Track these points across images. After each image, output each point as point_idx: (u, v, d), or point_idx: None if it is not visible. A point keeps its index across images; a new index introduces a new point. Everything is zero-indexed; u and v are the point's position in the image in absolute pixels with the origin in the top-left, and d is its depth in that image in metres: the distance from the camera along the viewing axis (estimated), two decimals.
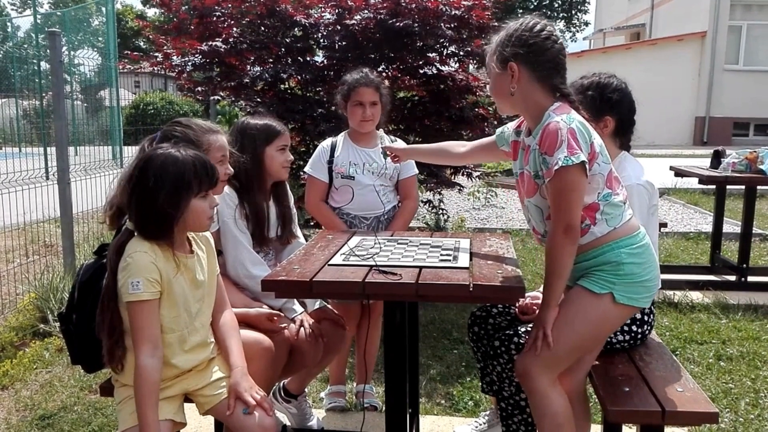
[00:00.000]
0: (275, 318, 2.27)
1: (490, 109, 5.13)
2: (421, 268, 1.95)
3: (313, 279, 1.87)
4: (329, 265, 2.01)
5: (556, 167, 1.79)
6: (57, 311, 3.91)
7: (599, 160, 1.88)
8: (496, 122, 4.96)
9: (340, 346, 2.63)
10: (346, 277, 1.87)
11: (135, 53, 6.12)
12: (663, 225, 5.81)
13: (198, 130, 2.13)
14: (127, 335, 1.87)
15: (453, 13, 4.28)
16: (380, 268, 1.93)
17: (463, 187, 5.23)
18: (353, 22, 4.37)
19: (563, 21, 35.75)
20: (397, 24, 4.17)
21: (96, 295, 2.15)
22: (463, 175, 5.12)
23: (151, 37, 5.59)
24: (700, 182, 4.87)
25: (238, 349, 2.01)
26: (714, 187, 5.64)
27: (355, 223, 2.90)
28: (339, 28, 4.47)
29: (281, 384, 2.74)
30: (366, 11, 4.29)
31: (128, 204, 1.82)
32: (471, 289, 1.78)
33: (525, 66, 1.90)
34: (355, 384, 3.17)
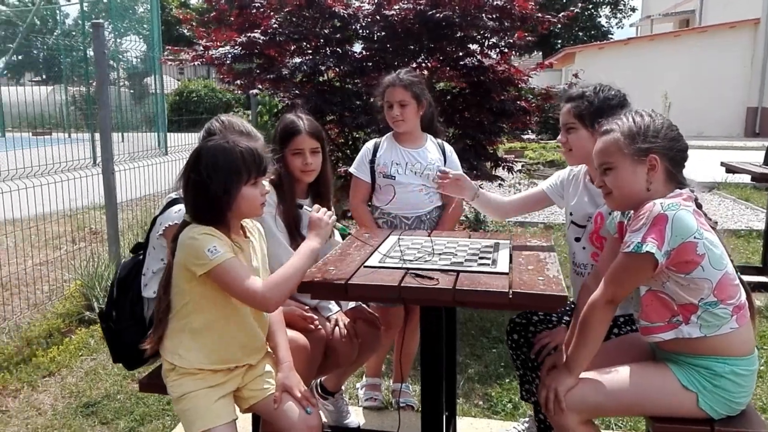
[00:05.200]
0: (310, 317, 2.26)
1: (533, 100, 5.01)
2: (458, 272, 1.90)
3: (349, 281, 1.84)
4: (365, 266, 1.99)
5: (625, 249, 1.70)
6: (102, 300, 4.00)
7: (704, 265, 1.70)
8: (538, 116, 4.85)
9: (375, 346, 2.61)
10: (382, 281, 1.84)
11: (175, 46, 6.18)
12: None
13: (233, 132, 2.16)
14: (182, 319, 1.87)
15: (495, 3, 4.18)
16: (416, 272, 1.89)
17: (504, 180, 5.13)
18: (392, 12, 4.31)
19: (609, 7, 34.75)
20: (437, 15, 4.09)
21: (134, 291, 2.19)
22: (504, 168, 5.02)
23: (192, 27, 5.62)
24: (753, 179, 4.67)
25: (285, 344, 2.03)
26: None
27: (396, 223, 2.86)
28: (378, 18, 4.41)
29: (318, 381, 2.74)
30: (405, 2, 4.22)
31: (185, 193, 1.87)
32: (510, 296, 1.73)
33: (663, 158, 1.78)
34: (391, 381, 3.15)
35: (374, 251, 2.15)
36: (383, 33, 4.54)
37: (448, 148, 2.94)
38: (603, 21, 35.10)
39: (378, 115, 2.98)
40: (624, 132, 1.81)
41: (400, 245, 2.19)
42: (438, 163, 2.85)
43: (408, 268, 1.94)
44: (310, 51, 4.77)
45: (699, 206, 1.79)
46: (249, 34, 4.51)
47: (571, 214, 2.39)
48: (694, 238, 1.67)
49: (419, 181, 2.82)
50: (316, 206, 2.04)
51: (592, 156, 1.91)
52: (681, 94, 17.27)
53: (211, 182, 1.78)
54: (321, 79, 4.71)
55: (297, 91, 4.38)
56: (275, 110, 5.21)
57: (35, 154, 4.81)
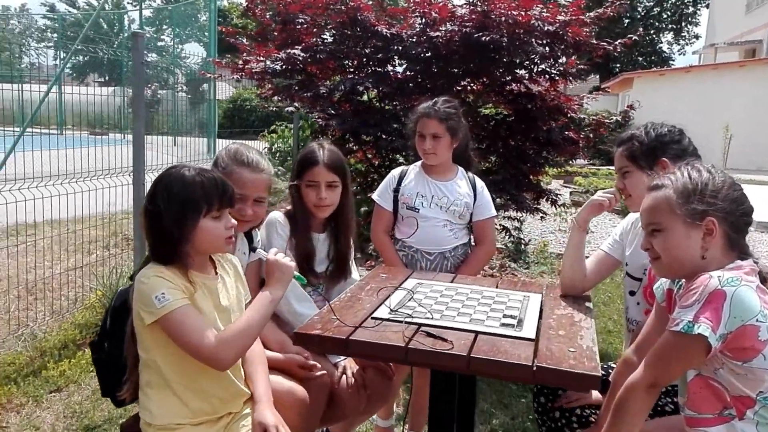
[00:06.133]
0: (311, 365, 2.05)
1: (584, 131, 4.74)
2: (477, 333, 1.68)
3: (350, 338, 1.64)
4: (372, 317, 1.78)
5: (673, 327, 1.44)
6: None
7: (766, 352, 1.44)
8: (587, 147, 4.57)
9: (387, 396, 2.39)
10: (388, 339, 1.63)
11: (218, 60, 6.15)
12: None
13: (235, 161, 2.00)
14: (148, 370, 1.70)
15: (546, 28, 3.95)
16: (428, 331, 1.67)
17: (546, 214, 4.85)
18: (437, 34, 4.13)
19: (672, 33, 33.83)
20: (483, 38, 3.88)
21: (128, 322, 2.03)
22: (547, 200, 4.75)
23: (245, 38, 5.56)
24: None
25: (265, 381, 1.83)
26: None
27: (417, 258, 2.65)
28: (422, 39, 4.24)
29: (324, 429, 2.53)
30: (450, 24, 4.03)
31: (143, 227, 1.70)
32: (534, 370, 1.49)
33: (723, 223, 1.53)
34: (407, 428, 2.92)
35: (387, 298, 1.94)
36: (428, 54, 4.36)
37: (480, 183, 2.72)
38: (664, 47, 34.26)
39: (408, 141, 2.79)
40: (677, 189, 1.55)
41: (414, 296, 1.97)
42: (467, 199, 2.63)
43: (420, 324, 1.72)
44: (351, 70, 4.63)
45: (764, 281, 1.52)
46: (289, 51, 4.40)
47: (626, 264, 2.15)
48: (757, 320, 1.40)
49: (444, 216, 2.61)
50: (273, 249, 1.85)
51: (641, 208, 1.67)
52: (744, 126, 16.52)
53: (164, 214, 1.62)
54: (359, 99, 4.56)
55: (333, 111, 4.24)
56: (314, 128, 5.09)
57: (86, 154, 4.82)
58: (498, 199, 4.26)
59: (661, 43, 34.09)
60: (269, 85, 5.05)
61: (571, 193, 11.16)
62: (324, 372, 2.06)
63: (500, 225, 5.07)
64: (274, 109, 5.26)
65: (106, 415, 3.06)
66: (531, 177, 4.65)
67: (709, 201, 1.52)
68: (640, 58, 32.69)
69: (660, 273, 1.66)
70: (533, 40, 3.95)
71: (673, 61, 33.72)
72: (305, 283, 1.91)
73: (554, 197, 4.75)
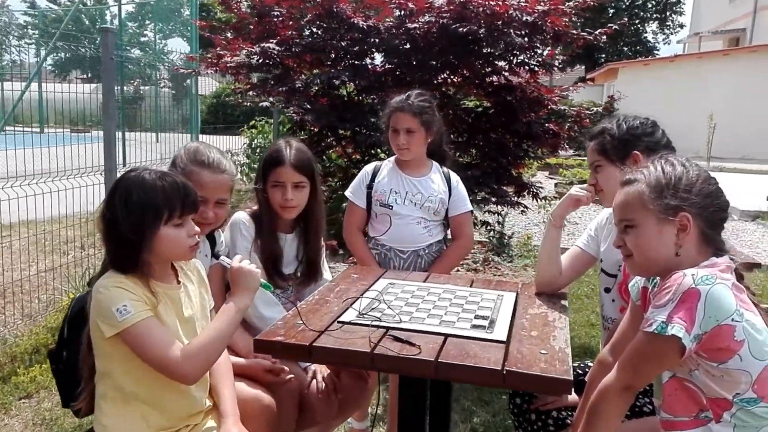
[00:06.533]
0: (278, 368, 1.97)
1: (567, 123, 4.68)
2: (446, 336, 1.61)
3: (313, 344, 1.57)
4: (339, 321, 1.71)
5: (646, 328, 1.38)
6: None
7: (743, 354, 1.38)
8: (569, 140, 4.51)
9: (361, 401, 2.33)
10: (353, 345, 1.56)
11: (191, 55, 6.03)
12: (756, 265, 5.20)
13: (195, 162, 1.92)
14: (104, 382, 1.62)
15: (525, 18, 3.88)
16: (395, 335, 1.60)
17: (527, 208, 4.79)
18: (415, 25, 4.05)
19: (657, 22, 33.86)
20: (461, 29, 3.81)
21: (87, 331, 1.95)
22: (529, 194, 4.70)
23: (228, 32, 5.45)
24: None
25: (231, 395, 1.75)
26: None
27: (391, 256, 2.59)
28: (400, 32, 4.16)
29: None
30: (428, 15, 3.95)
31: (100, 233, 1.61)
32: (504, 374, 1.43)
33: (697, 218, 1.46)
34: (385, 429, 2.86)
35: (355, 300, 1.87)
36: (406, 46, 4.28)
37: (455, 177, 2.65)
38: (649, 36, 34.26)
39: (382, 136, 2.71)
40: (650, 183, 1.49)
41: (384, 298, 1.90)
42: (442, 195, 2.57)
43: (388, 327, 1.65)
44: (329, 63, 4.54)
45: (740, 278, 1.46)
46: (264, 44, 4.30)
47: (601, 260, 2.09)
48: (732, 320, 1.35)
49: (418, 213, 2.55)
50: (237, 256, 1.76)
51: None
52: (727, 115, 16.57)
53: (122, 221, 1.53)
54: (336, 93, 4.47)
55: (309, 106, 4.15)
56: (291, 123, 5.01)
57: (67, 152, 4.70)
58: (478, 193, 4.20)
59: (646, 32, 34.13)
60: (246, 80, 4.96)
61: (556, 184, 11.14)
62: (292, 376, 1.99)
63: (480, 220, 5.00)
64: (249, 104, 5.16)
65: (76, 423, 2.97)
66: (512, 170, 4.59)
67: (683, 196, 1.46)
68: (626, 48, 32.71)
69: (633, 271, 1.60)
70: (511, 31, 3.88)
71: (658, 50, 33.77)
72: (271, 290, 1.83)
73: (536, 190, 4.69)
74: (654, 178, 1.50)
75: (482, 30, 3.90)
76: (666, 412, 1.50)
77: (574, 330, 4.36)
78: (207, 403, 1.73)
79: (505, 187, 4.49)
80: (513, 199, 4.57)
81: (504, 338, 1.61)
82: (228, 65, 4.57)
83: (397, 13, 4.17)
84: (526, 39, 4.01)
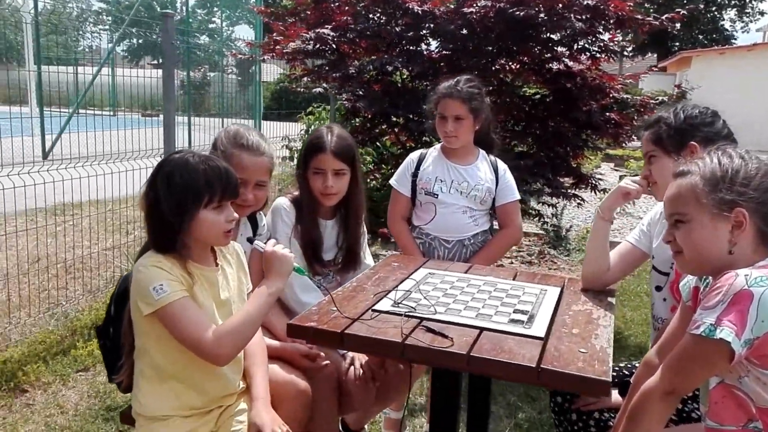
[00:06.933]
0: (314, 353, 1.97)
1: (630, 112, 4.48)
2: (482, 330, 1.56)
3: (345, 331, 1.55)
4: (373, 310, 1.68)
5: (693, 330, 1.29)
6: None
7: None
8: (630, 130, 4.32)
9: (401, 388, 2.30)
10: (384, 334, 1.53)
11: (249, 41, 6.11)
12: None
13: (235, 144, 1.92)
14: (142, 359, 1.66)
15: (586, 2, 3.72)
16: (429, 326, 1.56)
17: (583, 200, 4.63)
18: (471, 10, 3.95)
19: (735, 9, 32.08)
20: (518, 13, 3.69)
21: None
22: (587, 186, 4.53)
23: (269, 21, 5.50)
24: None
25: (263, 379, 1.76)
26: None
27: (435, 246, 2.54)
28: (456, 16, 4.07)
29: (339, 418, 2.47)
30: (486, 0, 3.85)
31: (143, 212, 1.64)
32: (538, 372, 1.37)
33: (755, 215, 1.36)
34: (426, 420, 2.84)
35: (393, 289, 1.84)
36: (463, 31, 4.19)
37: (502, 166, 2.58)
38: (727, 24, 32.50)
39: (427, 123, 2.66)
40: (705, 176, 1.39)
41: (421, 288, 1.86)
42: (489, 184, 2.50)
43: (421, 318, 1.62)
44: (384, 49, 4.50)
45: None
46: (319, 30, 4.30)
47: (653, 257, 1.99)
48: None
49: (464, 202, 2.49)
50: (272, 241, 1.76)
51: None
52: None
53: (163, 201, 1.55)
54: (390, 79, 4.43)
55: (361, 92, 4.12)
56: (343, 110, 5.01)
57: (138, 135, 4.88)
58: (532, 184, 4.09)
59: (723, 20, 32.39)
60: (302, 66, 4.98)
61: (620, 177, 10.76)
62: (328, 363, 1.98)
63: (533, 211, 4.86)
64: (303, 91, 5.18)
65: (128, 398, 3.07)
66: (570, 160, 4.44)
67: (740, 190, 1.36)
68: (701, 36, 31.16)
69: (683, 269, 1.50)
70: (572, 15, 3.73)
71: (735, 39, 31.97)
72: (305, 274, 1.83)
73: (595, 182, 4.52)
74: (709, 170, 1.40)
75: (541, 14, 3.77)
76: (712, 420, 1.41)
77: (631, 328, 4.20)
78: (240, 385, 1.75)
79: (561, 178, 4.35)
80: (569, 191, 4.41)
81: (542, 334, 1.54)
82: (284, 51, 4.59)
83: None
84: (587, 24, 3.85)
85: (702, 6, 29.49)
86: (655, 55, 29.68)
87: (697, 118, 1.82)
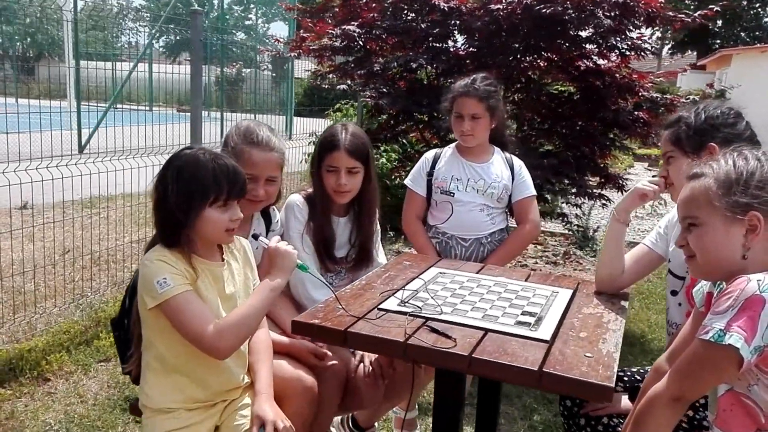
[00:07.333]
0: (322, 352, 1.97)
1: (660, 111, 4.38)
2: (487, 331, 1.54)
3: (348, 329, 1.54)
4: (379, 308, 1.67)
5: (702, 335, 1.25)
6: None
7: None
8: (659, 130, 4.21)
9: (410, 387, 2.28)
10: (386, 333, 1.52)
11: (278, 38, 6.15)
12: None
13: (245, 140, 1.93)
14: (148, 351, 1.68)
15: None
16: (433, 326, 1.55)
17: (609, 200, 4.53)
18: (498, 6, 3.90)
19: None
20: (544, 10, 3.63)
21: None
22: (614, 186, 4.44)
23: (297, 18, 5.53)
24: None
25: (267, 374, 1.77)
26: None
27: (452, 245, 2.52)
28: (482, 12, 4.03)
29: (351, 415, 2.47)
30: None
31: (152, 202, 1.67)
32: (540, 376, 1.35)
33: None
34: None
35: (401, 288, 1.83)
36: (490, 28, 4.14)
37: (518, 163, 2.54)
38: None
39: (443, 121, 2.64)
40: (719, 178, 1.34)
41: (429, 287, 1.85)
42: (505, 181, 2.47)
43: (427, 318, 1.60)
44: (410, 46, 4.48)
45: None
46: (344, 27, 4.30)
47: (669, 261, 1.94)
48: None
49: (481, 200, 2.46)
50: (275, 237, 1.77)
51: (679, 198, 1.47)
52: None
53: (171, 196, 1.56)
54: (416, 76, 4.41)
55: (384, 89, 4.11)
56: (368, 107, 5.00)
57: (173, 130, 4.98)
58: (556, 184, 4.02)
59: (767, 16, 31.43)
60: (329, 63, 4.99)
61: (653, 176, 10.54)
62: (335, 362, 1.98)
63: (558, 211, 4.78)
64: (327, 86, 5.20)
65: None
66: (597, 160, 4.35)
67: (755, 193, 1.31)
68: (743, 34, 30.28)
69: (695, 273, 1.46)
70: (600, 11, 3.66)
71: None
72: (308, 271, 1.83)
73: (622, 182, 4.42)
74: (723, 172, 1.35)
75: (569, 11, 3.70)
76: (720, 428, 1.37)
77: (655, 332, 4.11)
78: (245, 380, 1.76)
79: (588, 178, 4.27)
80: (595, 191, 4.33)
81: (548, 337, 1.51)
82: (311, 48, 4.61)
83: None
84: (615, 21, 3.77)
85: (745, 2, 28.64)
86: (695, 53, 28.96)
87: (719, 118, 1.76)
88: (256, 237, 1.83)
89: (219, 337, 1.53)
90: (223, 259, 1.72)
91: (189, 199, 1.57)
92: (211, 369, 1.65)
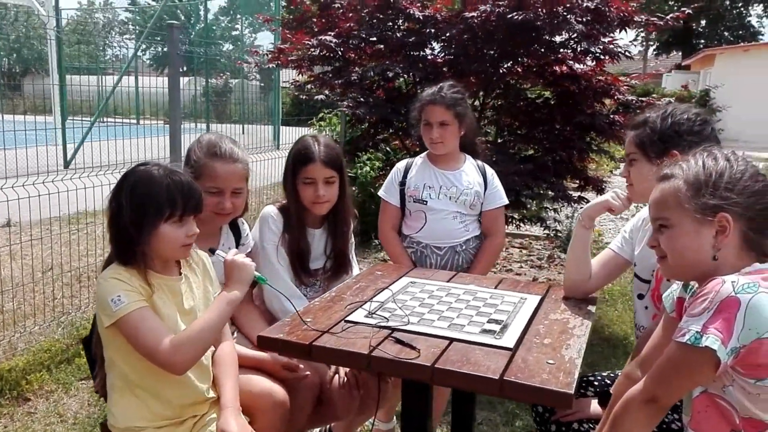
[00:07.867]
0: (294, 364, 1.97)
1: (637, 114, 4.41)
2: (451, 341, 1.55)
3: (313, 343, 1.55)
4: (345, 321, 1.68)
5: (679, 338, 1.26)
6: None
7: None
8: None
9: (387, 396, 2.29)
10: (352, 345, 1.53)
11: (254, 49, 6.16)
12: None
13: (208, 154, 1.94)
14: (112, 371, 1.68)
15: (586, 5, 3.67)
16: (398, 337, 1.56)
17: (588, 202, 4.55)
18: (472, 14, 3.92)
19: (762, 5, 31.42)
20: (516, 17, 3.66)
21: None
22: (593, 189, 4.47)
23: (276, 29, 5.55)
24: None
25: (233, 387, 1.75)
26: None
27: (427, 253, 2.53)
28: (457, 20, 4.05)
29: (327, 427, 2.47)
30: (487, 5, 3.82)
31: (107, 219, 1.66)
32: (501, 384, 1.36)
33: (740, 219, 1.32)
34: None
35: (368, 300, 1.84)
36: (465, 36, 4.16)
37: (490, 171, 2.57)
38: (753, 20, 31.86)
39: (412, 130, 2.66)
40: (688, 180, 1.35)
41: (397, 298, 1.85)
42: (477, 188, 2.49)
43: (393, 329, 1.61)
44: (388, 54, 4.50)
45: None
46: (321, 37, 4.31)
47: (635, 265, 1.96)
48: None
49: (454, 207, 2.48)
50: (233, 250, 1.78)
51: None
52: None
53: (125, 213, 1.56)
54: (393, 85, 4.43)
55: (362, 98, 4.12)
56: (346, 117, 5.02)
57: (159, 143, 4.97)
58: (534, 189, 4.04)
59: (750, 16, 31.76)
60: (309, 73, 5.00)
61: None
62: (308, 373, 1.98)
63: (534, 215, 4.81)
64: (305, 98, 5.22)
65: None
66: (576, 163, 4.38)
67: (724, 195, 1.32)
68: (726, 33, 30.60)
69: (667, 274, 1.47)
70: (572, 17, 3.69)
71: (762, 35, 31.36)
72: (266, 283, 1.83)
73: (602, 185, 4.44)
74: (693, 173, 1.36)
75: (540, 18, 3.73)
76: (694, 430, 1.38)
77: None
78: (210, 393, 1.76)
79: (566, 182, 4.30)
80: (574, 194, 4.36)
81: (511, 345, 1.53)
82: (288, 59, 4.62)
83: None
84: (588, 26, 3.80)
85: (728, 2, 28.95)
86: (680, 53, 29.20)
87: (684, 125, 1.77)
88: (213, 251, 1.84)
89: (174, 351, 1.53)
90: (180, 273, 1.72)
91: (143, 215, 1.57)
92: (171, 384, 1.64)
